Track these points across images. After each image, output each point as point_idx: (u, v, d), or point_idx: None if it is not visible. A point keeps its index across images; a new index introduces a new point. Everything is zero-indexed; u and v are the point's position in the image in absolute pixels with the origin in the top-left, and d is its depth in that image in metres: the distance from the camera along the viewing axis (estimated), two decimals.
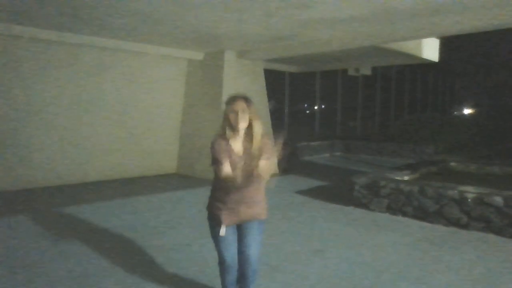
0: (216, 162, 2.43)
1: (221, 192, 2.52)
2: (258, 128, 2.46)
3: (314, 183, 7.90)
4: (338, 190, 7.00)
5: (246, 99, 2.46)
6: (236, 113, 2.40)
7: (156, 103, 8.79)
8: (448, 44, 13.26)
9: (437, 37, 9.87)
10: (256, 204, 2.54)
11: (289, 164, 8.39)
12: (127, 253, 3.95)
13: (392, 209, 5.50)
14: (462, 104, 26.69)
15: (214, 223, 2.56)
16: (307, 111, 15.31)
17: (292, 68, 12.31)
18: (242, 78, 8.52)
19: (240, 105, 2.41)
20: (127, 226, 4.86)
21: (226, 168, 2.39)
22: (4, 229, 4.73)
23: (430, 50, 9.91)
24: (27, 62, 6.90)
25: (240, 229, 2.57)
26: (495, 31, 6.04)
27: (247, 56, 8.39)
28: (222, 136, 2.48)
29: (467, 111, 25.91)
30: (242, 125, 2.42)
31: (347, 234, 4.67)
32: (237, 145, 2.48)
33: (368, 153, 12.86)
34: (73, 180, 7.52)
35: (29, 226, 4.83)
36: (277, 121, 11.90)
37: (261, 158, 2.40)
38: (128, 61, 8.22)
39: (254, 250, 2.56)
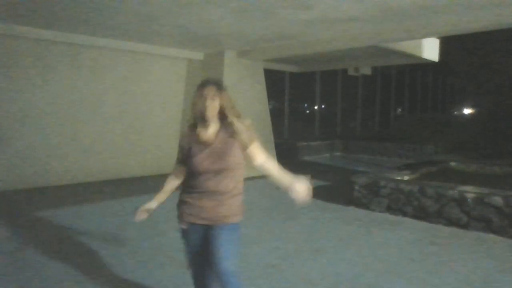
0: (176, 158, 2.31)
1: (187, 183, 2.26)
2: (232, 117, 2.16)
3: (314, 183, 7.89)
4: (338, 190, 7.00)
5: (218, 85, 2.17)
6: (205, 99, 2.11)
7: (156, 103, 8.79)
8: (448, 44, 13.25)
9: (437, 37, 9.87)
10: (226, 202, 2.17)
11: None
12: (126, 253, 3.95)
13: (392, 209, 5.50)
14: (462, 104, 26.68)
15: (179, 218, 2.28)
16: (307, 111, 15.32)
17: (292, 68, 12.31)
18: (242, 78, 8.52)
19: (210, 91, 2.12)
20: (127, 226, 4.86)
21: (175, 170, 2.33)
22: None
23: (430, 50, 9.90)
24: (27, 62, 6.90)
25: (208, 236, 2.19)
26: (495, 31, 6.04)
27: (247, 56, 8.39)
28: (192, 125, 2.23)
29: (467, 111, 25.90)
30: (210, 113, 2.11)
31: (347, 234, 4.67)
32: (206, 133, 2.17)
33: (368, 153, 12.86)
34: (73, 180, 7.51)
35: (29, 227, 4.83)
36: (277, 121, 11.91)
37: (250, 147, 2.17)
38: (128, 61, 8.21)
39: (226, 262, 2.11)
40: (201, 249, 2.24)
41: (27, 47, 6.85)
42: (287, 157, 11.05)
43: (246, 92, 8.62)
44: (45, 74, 7.15)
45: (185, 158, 2.22)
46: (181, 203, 2.28)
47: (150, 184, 7.73)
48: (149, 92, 8.66)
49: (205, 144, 2.15)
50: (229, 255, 2.14)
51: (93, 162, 7.83)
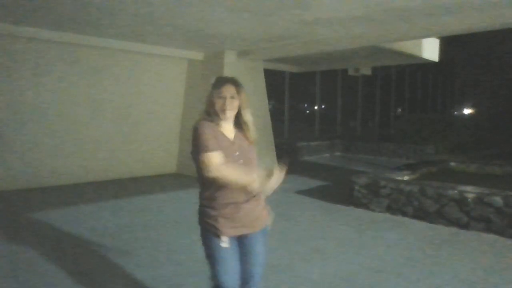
0: (202, 149, 1.90)
1: (211, 193, 2.01)
2: (249, 117, 2.11)
3: (314, 183, 7.89)
4: (338, 190, 7.00)
5: (236, 83, 2.08)
6: (224, 99, 2.01)
7: (156, 103, 8.79)
8: (448, 44, 13.25)
9: (437, 37, 9.87)
10: (257, 205, 2.07)
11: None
12: (126, 253, 3.95)
13: (392, 209, 5.50)
14: (462, 104, 26.66)
15: (210, 235, 2.01)
16: (307, 111, 15.32)
17: (292, 68, 12.31)
18: (242, 78, 8.44)
19: (230, 90, 2.03)
20: (126, 226, 4.86)
21: (217, 158, 1.89)
22: None
23: (430, 50, 9.91)
24: (27, 62, 6.90)
25: (243, 245, 2.08)
26: (495, 31, 6.04)
27: (247, 56, 8.39)
28: (209, 119, 2.05)
29: (467, 111, 25.89)
30: (230, 114, 2.03)
31: (347, 234, 4.67)
32: (227, 132, 2.07)
33: (368, 153, 12.86)
34: (73, 180, 7.51)
35: (28, 228, 4.83)
36: (277, 121, 11.92)
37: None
38: (128, 61, 8.21)
39: (262, 266, 2.15)
40: (235, 265, 2.05)
41: (27, 47, 6.85)
42: (287, 157, 11.05)
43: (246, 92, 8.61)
44: (45, 74, 7.15)
45: (204, 149, 1.92)
46: (209, 217, 2.01)
47: (150, 184, 7.74)
48: (149, 92, 8.66)
49: (230, 140, 2.05)
50: (264, 260, 2.14)
51: (93, 162, 7.83)
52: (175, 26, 6.23)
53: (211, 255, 2.02)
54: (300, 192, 6.98)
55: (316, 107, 14.70)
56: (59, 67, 7.30)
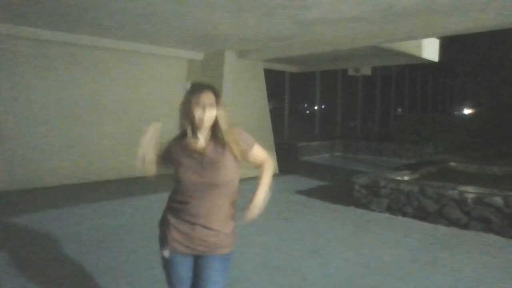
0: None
1: (173, 198, 1.99)
2: (224, 123, 1.88)
3: (314, 183, 7.89)
4: (338, 190, 7.00)
5: (214, 91, 1.89)
6: (203, 108, 1.83)
7: (156, 103, 8.78)
8: (448, 44, 13.25)
9: (437, 37, 9.87)
10: (220, 230, 1.90)
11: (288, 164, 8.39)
12: (126, 253, 3.95)
13: (392, 209, 5.50)
14: (462, 104, 26.69)
15: (161, 242, 1.97)
16: (307, 111, 15.32)
17: (292, 68, 12.31)
18: (242, 78, 8.51)
19: (209, 98, 1.84)
20: (125, 226, 4.86)
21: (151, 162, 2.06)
22: None
23: (430, 50, 9.90)
24: (27, 62, 6.91)
25: (197, 265, 1.94)
26: (495, 31, 6.04)
27: (247, 56, 8.39)
28: (180, 135, 1.98)
29: (467, 111, 25.92)
30: (208, 123, 1.86)
31: (347, 234, 4.67)
32: (196, 142, 1.91)
33: (368, 153, 12.87)
34: (73, 180, 7.51)
35: (28, 228, 4.83)
36: (277, 121, 11.92)
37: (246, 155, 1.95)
38: (128, 61, 8.21)
39: None
40: (187, 281, 1.95)
41: (27, 47, 6.85)
42: (287, 157, 11.05)
43: (246, 92, 8.62)
44: (45, 74, 7.15)
45: (166, 162, 2.07)
46: (164, 225, 1.96)
47: (150, 184, 7.73)
48: (149, 92, 8.66)
49: (195, 154, 1.90)
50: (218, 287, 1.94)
51: (93, 162, 7.83)
52: (175, 26, 6.23)
53: (163, 263, 1.99)
54: (300, 192, 6.98)
55: (316, 107, 14.70)
56: (59, 67, 7.30)
